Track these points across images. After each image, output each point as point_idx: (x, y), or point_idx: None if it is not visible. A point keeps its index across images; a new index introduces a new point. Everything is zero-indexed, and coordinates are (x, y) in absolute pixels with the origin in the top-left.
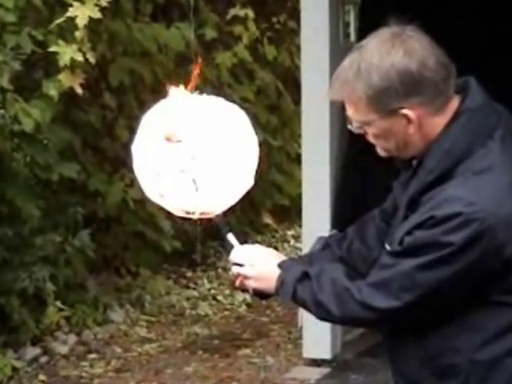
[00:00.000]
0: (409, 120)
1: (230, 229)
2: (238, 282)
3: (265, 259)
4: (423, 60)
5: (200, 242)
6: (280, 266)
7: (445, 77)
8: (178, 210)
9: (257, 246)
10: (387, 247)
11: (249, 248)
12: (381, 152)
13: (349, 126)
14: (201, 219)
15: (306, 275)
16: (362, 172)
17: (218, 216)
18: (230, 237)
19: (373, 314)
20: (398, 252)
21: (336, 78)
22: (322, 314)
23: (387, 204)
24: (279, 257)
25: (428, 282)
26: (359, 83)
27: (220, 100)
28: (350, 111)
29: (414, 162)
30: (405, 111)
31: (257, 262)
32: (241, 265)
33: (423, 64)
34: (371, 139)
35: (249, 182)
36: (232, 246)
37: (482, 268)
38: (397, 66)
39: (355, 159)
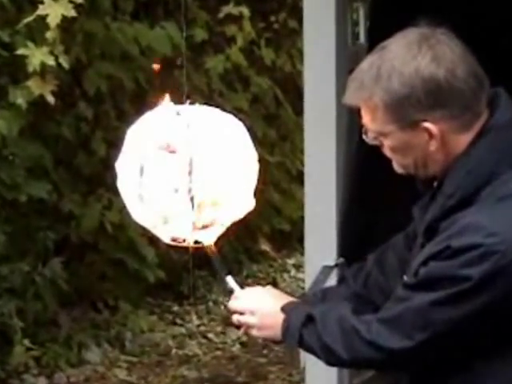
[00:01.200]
0: (431, 135)
1: (228, 271)
2: (242, 331)
3: (266, 305)
4: (453, 68)
5: (188, 272)
6: (283, 309)
7: (476, 90)
8: (168, 236)
9: (258, 290)
10: (404, 278)
11: (249, 293)
12: (397, 168)
13: (363, 136)
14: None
15: (310, 318)
16: (374, 191)
17: (215, 256)
18: (229, 280)
19: (383, 354)
20: (412, 285)
21: (352, 80)
22: (330, 357)
23: (410, 229)
24: (283, 298)
25: (443, 320)
26: (377, 88)
27: (216, 110)
28: (365, 119)
29: (435, 184)
30: (427, 125)
31: (257, 309)
32: (242, 313)
33: (452, 73)
34: (387, 153)
35: (249, 204)
36: (231, 291)
37: (504, 306)
38: (422, 73)
39: (367, 176)
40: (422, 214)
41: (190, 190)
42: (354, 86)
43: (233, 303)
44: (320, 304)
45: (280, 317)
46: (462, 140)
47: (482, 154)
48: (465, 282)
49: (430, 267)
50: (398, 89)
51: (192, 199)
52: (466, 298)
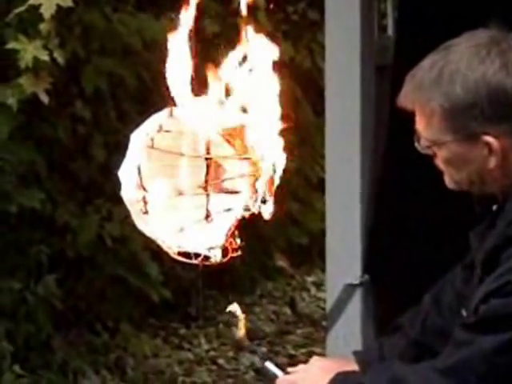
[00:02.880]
0: (491, 150)
1: (267, 356)
2: None
3: None
4: None
5: (197, 291)
6: None
7: None
8: (177, 249)
9: (301, 370)
10: (463, 313)
11: (291, 378)
12: (448, 183)
13: (415, 144)
14: (200, 260)
15: None
16: (405, 202)
17: (253, 344)
18: (269, 365)
19: None
20: (472, 326)
21: (410, 79)
22: None
23: (468, 259)
24: (331, 369)
25: (510, 366)
26: (437, 91)
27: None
28: (420, 125)
29: (494, 208)
30: (488, 138)
31: None
32: None
33: None
34: (439, 164)
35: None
36: (274, 376)
37: None
38: (489, 80)
39: (395, 188)
40: (479, 242)
41: (206, 194)
42: (411, 86)
43: None
44: (377, 360)
45: None
46: None
47: None
48: None
49: (490, 305)
50: (461, 95)
51: (208, 204)
52: None
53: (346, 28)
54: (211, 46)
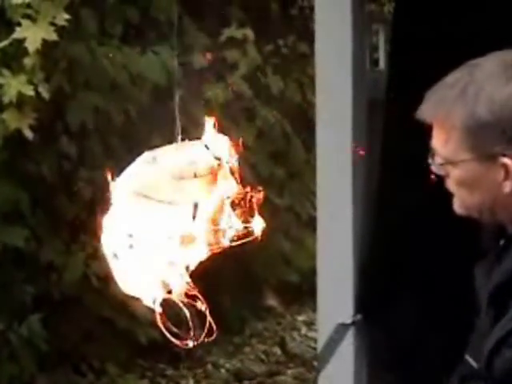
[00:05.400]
0: (507, 173)
1: None
2: None
3: None
4: None
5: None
6: None
7: None
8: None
9: None
10: (469, 360)
11: None
12: (458, 208)
13: (429, 161)
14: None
15: None
16: (399, 239)
17: None
18: None
19: None
20: (492, 380)
21: (432, 94)
22: None
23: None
24: None
25: None
26: (460, 108)
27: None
28: (437, 140)
29: (502, 242)
30: (506, 160)
31: None
32: None
33: None
34: (451, 186)
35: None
36: None
37: None
38: None
39: (389, 224)
40: (485, 279)
41: (193, 239)
42: (433, 99)
43: None
44: None
45: None
46: None
47: None
48: None
49: (505, 357)
50: (484, 114)
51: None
52: None
53: (336, 61)
54: (199, 79)
